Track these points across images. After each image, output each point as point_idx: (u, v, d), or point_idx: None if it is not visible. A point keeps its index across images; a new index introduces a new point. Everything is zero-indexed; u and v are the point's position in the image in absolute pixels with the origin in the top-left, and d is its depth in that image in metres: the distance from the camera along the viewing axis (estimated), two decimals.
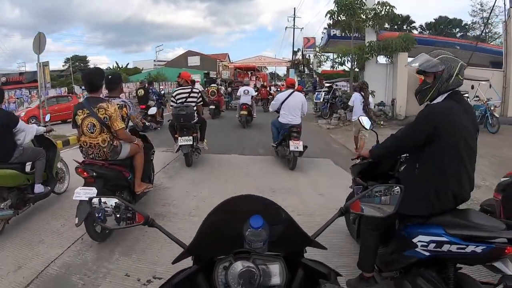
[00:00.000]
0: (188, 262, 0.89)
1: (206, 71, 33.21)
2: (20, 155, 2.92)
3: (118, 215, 0.96)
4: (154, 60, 35.29)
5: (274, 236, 0.82)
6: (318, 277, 0.83)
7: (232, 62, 38.80)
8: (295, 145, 4.48)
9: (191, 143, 4.52)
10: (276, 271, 0.77)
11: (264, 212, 0.80)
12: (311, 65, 33.63)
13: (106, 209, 0.97)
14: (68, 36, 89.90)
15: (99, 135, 2.63)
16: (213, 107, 10.63)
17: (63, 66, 34.86)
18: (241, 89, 9.41)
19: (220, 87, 12.64)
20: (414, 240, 1.53)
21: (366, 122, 2.54)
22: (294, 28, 32.82)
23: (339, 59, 11.24)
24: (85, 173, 2.53)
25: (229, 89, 14.14)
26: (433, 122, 1.55)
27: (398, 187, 1.00)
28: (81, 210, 2.36)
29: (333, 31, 13.14)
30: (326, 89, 11.96)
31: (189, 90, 4.75)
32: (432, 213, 1.55)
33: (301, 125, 4.91)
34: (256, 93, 13.30)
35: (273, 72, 44.89)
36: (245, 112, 8.81)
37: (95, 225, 2.62)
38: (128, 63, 31.67)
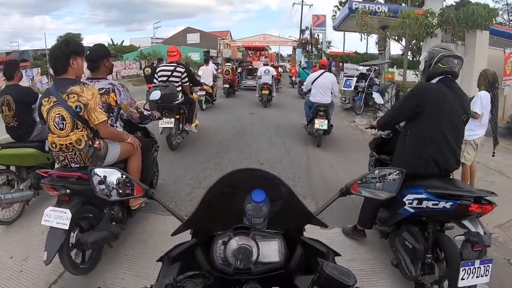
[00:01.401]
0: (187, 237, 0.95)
1: (205, 49, 33.23)
2: (40, 132, 2.88)
3: (118, 188, 1.02)
4: (152, 38, 35.09)
5: (273, 213, 0.86)
6: (317, 256, 0.87)
7: (234, 40, 38.62)
8: (320, 123, 5.09)
9: (172, 125, 4.42)
10: (275, 248, 0.83)
11: (266, 187, 0.83)
12: (319, 45, 33.74)
13: (104, 179, 1.02)
14: (68, 14, 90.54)
15: (71, 133, 1.98)
16: (227, 86, 11.14)
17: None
18: (262, 68, 9.94)
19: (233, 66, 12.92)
20: (404, 200, 1.95)
21: (378, 98, 3.16)
22: (302, 5, 32.30)
23: (394, 33, 8.24)
24: (53, 190, 1.98)
25: (239, 69, 14.50)
26: (419, 97, 2.02)
27: (399, 171, 1.07)
28: (51, 241, 1.79)
29: (355, 3, 11.57)
30: (360, 74, 9.62)
31: (173, 67, 4.56)
32: (415, 173, 1.96)
33: (332, 105, 5.52)
34: None
35: (277, 52, 44.59)
36: (266, 92, 9.45)
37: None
38: (123, 40, 31.51)
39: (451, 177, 2.16)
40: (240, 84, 13.62)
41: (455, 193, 1.80)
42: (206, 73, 8.93)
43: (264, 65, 10.43)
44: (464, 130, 2.10)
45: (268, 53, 20.68)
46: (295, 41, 34.37)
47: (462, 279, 1.63)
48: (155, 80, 4.63)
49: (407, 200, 1.95)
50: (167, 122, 4.41)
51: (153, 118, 2.78)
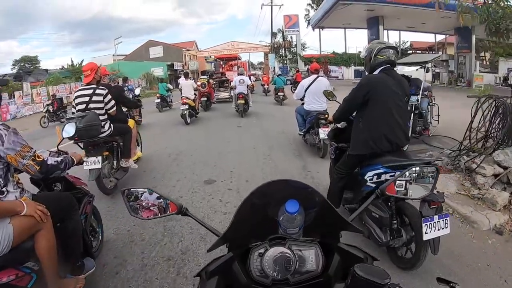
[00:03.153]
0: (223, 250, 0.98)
1: (169, 63, 32.92)
2: None
3: (150, 205, 1.08)
4: (114, 55, 34.46)
5: (308, 221, 0.91)
6: (354, 262, 0.88)
7: (200, 51, 38.70)
8: (324, 133, 4.86)
9: (99, 166, 3.66)
10: (312, 256, 0.86)
11: (299, 197, 0.87)
12: (293, 48, 34.43)
13: (136, 199, 1.08)
14: (35, 37, 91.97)
15: None
16: (205, 99, 11.68)
17: (11, 69, 34.10)
18: (236, 78, 10.17)
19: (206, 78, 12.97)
20: (365, 177, 2.37)
21: (328, 94, 3.48)
22: (272, 5, 32.19)
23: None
24: None
25: (211, 80, 14.36)
26: (367, 86, 2.40)
27: (434, 168, 1.14)
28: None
29: None
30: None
31: (91, 90, 3.80)
32: (372, 152, 2.37)
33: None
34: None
35: (247, 60, 45.45)
36: (242, 102, 9.89)
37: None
38: (82, 60, 30.90)
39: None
40: (213, 97, 13.56)
41: (406, 163, 2.14)
42: (186, 87, 9.50)
43: (239, 74, 10.53)
44: (407, 109, 2.52)
45: (240, 62, 20.73)
46: (266, 46, 34.75)
47: (426, 233, 1.97)
48: (73, 110, 3.90)
49: (367, 177, 2.36)
50: (93, 162, 3.66)
51: (69, 165, 2.03)
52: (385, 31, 21.04)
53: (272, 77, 17.38)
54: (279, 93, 13.12)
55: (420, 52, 24.80)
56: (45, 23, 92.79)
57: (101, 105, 3.83)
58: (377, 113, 2.37)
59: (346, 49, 29.23)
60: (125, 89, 9.25)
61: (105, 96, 3.84)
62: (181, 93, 9.60)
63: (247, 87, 10.15)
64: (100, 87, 3.89)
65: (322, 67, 16.61)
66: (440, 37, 25.88)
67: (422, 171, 1.17)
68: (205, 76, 12.84)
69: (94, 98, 3.80)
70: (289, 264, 0.82)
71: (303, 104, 5.62)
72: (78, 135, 3.46)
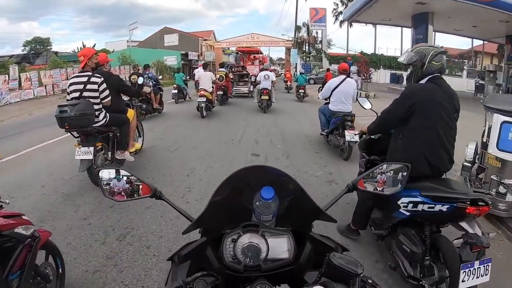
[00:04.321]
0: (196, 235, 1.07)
1: (183, 52, 33.70)
2: None
3: (125, 187, 1.13)
4: (128, 41, 35.64)
5: (282, 210, 0.99)
6: (326, 252, 0.94)
7: (218, 41, 39.37)
8: (350, 135, 5.11)
9: (90, 156, 3.78)
10: (284, 244, 0.94)
11: (275, 184, 0.94)
12: (318, 44, 34.53)
13: (110, 181, 1.13)
14: (55, 20, 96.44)
15: None
16: (221, 92, 11.89)
17: (22, 50, 35.68)
18: (262, 73, 10.73)
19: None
20: (398, 202, 2.18)
21: (366, 104, 3.40)
22: None
23: None
24: None
25: (230, 74, 14.79)
26: (411, 98, 2.25)
27: (405, 166, 1.22)
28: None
29: None
30: None
31: (86, 78, 3.86)
32: (410, 175, 2.26)
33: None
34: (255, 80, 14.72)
35: (267, 55, 45.92)
36: (266, 97, 10.39)
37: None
38: (94, 44, 32.19)
39: (443, 177, 2.38)
40: (231, 91, 14.04)
41: (450, 196, 1.99)
42: (205, 79, 9.78)
43: (264, 69, 11.22)
44: (456, 128, 2.33)
45: (262, 56, 21.13)
46: (288, 41, 34.91)
47: (463, 281, 1.83)
48: (68, 97, 3.98)
49: (401, 203, 2.17)
50: (84, 153, 3.78)
51: None
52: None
53: (294, 74, 17.81)
54: (300, 91, 14.52)
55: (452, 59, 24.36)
56: (67, 6, 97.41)
57: (96, 93, 3.87)
58: (421, 131, 2.24)
59: (376, 50, 29.22)
60: (145, 76, 9.65)
61: (100, 85, 3.88)
62: (196, 85, 10.01)
63: (272, 83, 10.64)
64: (96, 74, 3.95)
65: (361, 68, 15.64)
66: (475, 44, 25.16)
67: (393, 169, 1.23)
68: (223, 69, 13.11)
69: (89, 86, 3.84)
70: (261, 251, 0.90)
71: (327, 104, 5.95)
72: (69, 124, 3.64)
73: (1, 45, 79.87)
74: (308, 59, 33.77)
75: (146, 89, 9.26)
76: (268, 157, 5.66)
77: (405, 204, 2.15)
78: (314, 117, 9.82)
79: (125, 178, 1.12)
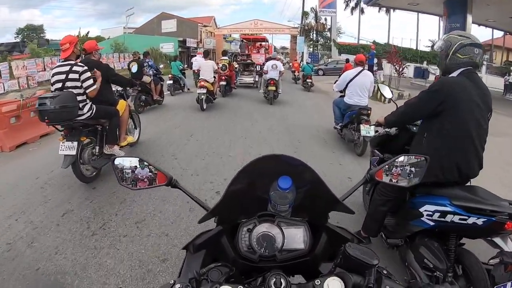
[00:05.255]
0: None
1: (181, 39, 33.64)
2: None
3: (148, 175, 1.17)
4: (124, 27, 35.79)
5: (298, 200, 1.02)
6: (341, 243, 0.98)
7: (219, 28, 39.25)
8: (366, 130, 5.13)
9: (73, 152, 3.74)
10: (300, 235, 0.97)
11: (292, 173, 0.97)
12: (326, 32, 34.34)
13: (126, 169, 1.17)
14: (57, 8, 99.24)
15: None
16: (224, 83, 11.73)
17: (15, 38, 36.41)
18: (269, 63, 10.76)
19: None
20: (421, 210, 2.07)
21: (386, 91, 3.36)
22: None
23: None
24: None
25: (234, 63, 14.81)
26: (443, 94, 2.08)
27: (423, 158, 1.23)
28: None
29: None
30: None
31: (68, 67, 3.81)
32: (436, 181, 2.09)
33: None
34: (261, 69, 14.65)
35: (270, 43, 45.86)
36: (273, 88, 10.45)
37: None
38: (88, 31, 32.26)
39: (469, 183, 2.27)
40: (235, 81, 13.94)
41: (486, 208, 1.85)
42: (206, 68, 9.50)
43: (271, 59, 11.24)
44: (488, 129, 2.18)
45: (268, 44, 21.07)
46: (294, 28, 34.68)
47: None
48: (51, 88, 3.95)
49: (425, 211, 2.07)
50: (68, 148, 3.75)
51: None
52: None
53: (300, 64, 18.01)
54: (307, 80, 15.22)
55: None
56: None
57: (78, 83, 3.83)
58: (451, 132, 2.09)
59: (390, 40, 29.03)
60: (145, 64, 9.66)
61: (81, 74, 3.82)
62: (194, 75, 9.84)
63: (280, 73, 10.68)
64: (79, 63, 3.92)
65: (392, 59, 14.26)
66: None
67: (412, 161, 1.24)
68: (226, 57, 12.70)
69: (71, 75, 3.78)
70: (277, 242, 0.93)
71: (341, 96, 6.05)
72: (49, 117, 3.59)
73: (2, 33, 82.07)
74: (315, 48, 33.64)
75: (146, 79, 9.27)
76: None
77: (430, 213, 2.04)
78: (324, 109, 9.97)
79: (148, 166, 1.17)
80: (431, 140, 2.18)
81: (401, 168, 1.22)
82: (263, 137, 6.74)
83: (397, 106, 2.69)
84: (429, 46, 33.68)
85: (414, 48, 29.56)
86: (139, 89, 8.44)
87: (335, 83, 6.92)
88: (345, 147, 6.02)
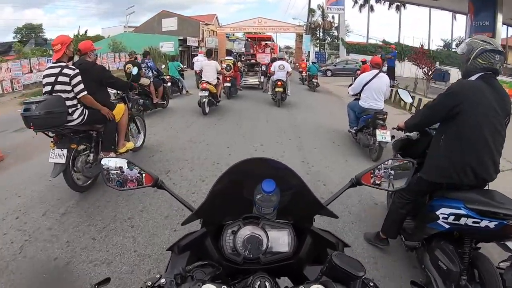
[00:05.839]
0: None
1: (181, 37, 33.75)
2: None
3: (136, 176, 1.24)
4: (125, 26, 36.15)
5: (283, 202, 1.05)
6: (326, 247, 1.07)
7: (221, 26, 39.39)
8: (382, 135, 5.19)
9: (63, 160, 3.66)
10: (284, 238, 1.02)
11: (277, 177, 1.01)
12: (333, 30, 34.32)
13: (113, 170, 1.24)
14: (60, 7, 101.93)
15: None
16: (229, 84, 11.56)
17: (13, 37, 36.65)
18: (276, 63, 10.72)
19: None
20: (437, 213, 2.19)
21: (406, 96, 3.44)
22: None
23: None
24: None
25: (239, 63, 14.83)
26: (459, 96, 2.21)
27: (410, 163, 1.29)
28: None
29: None
30: None
31: (58, 69, 3.69)
32: (452, 183, 2.24)
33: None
34: (267, 69, 14.72)
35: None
36: (280, 90, 10.42)
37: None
38: (86, 30, 32.68)
39: (486, 187, 2.34)
40: (240, 82, 14.02)
41: (500, 212, 1.94)
42: (208, 69, 9.23)
43: (279, 59, 11.22)
44: (505, 134, 2.27)
45: (273, 44, 21.09)
46: (299, 26, 34.66)
47: None
48: (43, 90, 3.83)
49: (441, 214, 2.18)
50: (58, 155, 3.67)
51: None
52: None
53: (307, 65, 18.16)
54: (312, 80, 15.71)
55: None
56: None
57: (69, 87, 3.71)
58: (466, 135, 2.20)
59: (400, 39, 28.98)
60: (143, 66, 9.31)
61: (72, 78, 3.69)
62: (196, 76, 9.57)
63: (287, 74, 10.64)
64: (70, 66, 3.78)
65: (422, 60, 12.87)
66: None
67: (399, 165, 1.29)
68: (230, 57, 12.93)
69: (60, 78, 3.68)
70: (261, 244, 0.97)
71: (356, 99, 6.07)
72: (35, 124, 3.45)
73: (5, 32, 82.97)
74: (322, 47, 33.62)
75: (145, 81, 8.82)
76: (288, 161, 5.63)
77: (445, 216, 2.15)
78: (334, 112, 10.00)
79: (135, 167, 1.24)
80: (448, 142, 2.29)
81: (385, 171, 1.27)
82: (271, 146, 6.45)
83: (416, 109, 2.81)
84: (441, 46, 33.69)
85: (426, 47, 29.49)
86: (136, 92, 7.98)
87: (349, 86, 6.90)
88: (358, 150, 6.03)
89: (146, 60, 9.89)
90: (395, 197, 2.69)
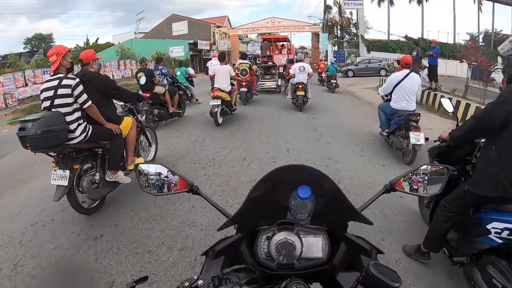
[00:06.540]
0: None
1: (191, 41, 34.15)
2: None
3: (161, 181, 1.31)
4: (135, 32, 37.14)
5: (317, 209, 1.09)
6: (360, 253, 1.10)
7: (233, 28, 39.74)
8: (416, 137, 5.15)
9: (65, 183, 3.50)
10: (318, 244, 1.05)
11: (312, 183, 1.05)
12: (351, 27, 34.06)
13: (149, 175, 1.31)
14: (75, 16, 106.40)
15: None
16: (245, 89, 11.44)
17: (24, 48, 38.67)
18: (296, 65, 10.65)
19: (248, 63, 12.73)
20: (488, 227, 2.13)
21: (447, 104, 3.40)
22: None
23: None
24: None
25: (255, 66, 14.83)
26: (508, 103, 2.13)
27: (445, 168, 1.32)
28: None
29: None
30: None
31: (57, 81, 3.55)
32: (504, 196, 2.15)
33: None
34: (284, 71, 14.89)
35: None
36: (302, 93, 10.25)
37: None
38: (98, 38, 33.73)
39: None
40: (256, 86, 13.94)
41: None
42: (221, 75, 8.80)
43: (298, 60, 11.12)
44: None
45: (290, 44, 21.12)
46: (315, 25, 34.62)
47: None
48: (41, 107, 3.66)
49: (493, 228, 2.13)
50: (60, 177, 3.52)
51: None
52: None
53: (326, 64, 18.21)
54: (331, 81, 15.83)
55: None
56: (87, 1, 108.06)
57: (70, 100, 3.56)
58: None
59: (424, 33, 28.59)
60: (157, 73, 8.99)
61: (74, 88, 3.55)
62: (211, 80, 9.13)
63: (308, 76, 10.58)
64: (69, 76, 3.66)
65: (477, 58, 11.12)
66: None
67: (434, 171, 1.32)
68: (246, 61, 12.63)
69: (60, 91, 3.52)
70: (295, 250, 1.01)
71: (387, 101, 6.08)
72: (31, 145, 3.28)
73: (19, 44, 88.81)
74: (340, 45, 33.49)
75: (159, 89, 8.51)
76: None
77: (499, 231, 2.10)
78: (357, 115, 10.02)
79: (171, 173, 1.31)
80: (501, 152, 2.20)
81: (421, 177, 1.29)
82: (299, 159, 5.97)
83: (457, 118, 2.79)
84: (466, 40, 33.12)
85: (451, 42, 29.08)
86: (151, 102, 7.75)
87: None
88: (387, 151, 6.07)
89: (160, 67, 9.62)
90: (439, 210, 2.62)
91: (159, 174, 1.30)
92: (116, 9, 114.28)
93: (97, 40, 30.30)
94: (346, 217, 1.17)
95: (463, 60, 13.13)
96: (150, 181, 1.31)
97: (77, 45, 34.45)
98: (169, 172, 1.30)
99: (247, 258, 1.09)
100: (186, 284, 0.86)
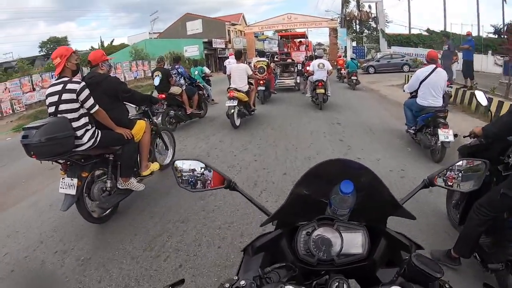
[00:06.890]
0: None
1: (206, 40, 34.45)
2: None
3: (198, 177, 1.34)
4: (150, 32, 37.90)
5: (357, 204, 1.10)
6: (400, 249, 1.11)
7: (249, 25, 39.84)
8: (445, 134, 5.10)
9: (73, 192, 3.42)
10: (358, 239, 1.06)
11: (353, 177, 1.06)
12: (371, 22, 33.66)
13: (186, 172, 1.35)
14: (92, 19, 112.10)
15: None
16: (263, 88, 11.39)
17: (39, 51, 39.70)
18: (315, 62, 10.61)
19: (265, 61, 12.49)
20: None
21: (481, 98, 3.35)
22: None
23: None
24: None
25: (272, 64, 14.84)
26: None
27: (483, 164, 1.33)
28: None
29: None
30: None
31: (62, 85, 3.45)
32: None
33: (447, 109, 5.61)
34: (302, 68, 14.84)
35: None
36: (322, 91, 10.20)
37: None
38: (113, 39, 34.50)
39: None
40: (275, 84, 13.95)
41: None
42: (237, 74, 8.49)
43: (317, 57, 11.03)
44: None
45: (307, 41, 21.06)
46: (332, 20, 34.33)
47: None
48: (49, 110, 3.56)
49: None
50: (68, 185, 3.45)
51: None
52: None
53: (345, 61, 18.12)
54: (352, 77, 15.85)
55: None
56: (104, 4, 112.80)
57: (75, 105, 3.47)
58: None
59: (446, 26, 28.09)
60: (174, 72, 8.77)
61: (79, 93, 3.45)
62: (229, 80, 8.92)
63: (328, 73, 10.52)
64: (74, 80, 3.54)
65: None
66: None
67: (468, 167, 1.34)
68: (264, 58, 12.69)
69: (65, 96, 3.43)
70: (336, 246, 1.02)
71: (413, 97, 6.05)
72: (36, 153, 3.21)
73: (35, 47, 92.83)
74: (360, 41, 33.17)
75: (175, 90, 8.37)
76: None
77: None
78: (380, 111, 9.96)
79: (208, 168, 1.35)
80: None
81: (457, 172, 1.32)
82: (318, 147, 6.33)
83: (491, 113, 2.74)
84: (491, 33, 32.33)
85: (476, 35, 28.43)
86: (166, 103, 7.74)
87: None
88: (415, 150, 6.04)
89: (176, 66, 9.17)
90: (473, 213, 2.54)
91: (193, 170, 1.35)
92: (133, 11, 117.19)
93: (112, 41, 30.98)
94: (387, 212, 1.18)
95: (503, 54, 12.58)
96: (183, 178, 1.36)
97: (91, 47, 35.27)
98: (204, 169, 1.34)
99: (287, 254, 1.10)
100: (227, 285, 0.86)
